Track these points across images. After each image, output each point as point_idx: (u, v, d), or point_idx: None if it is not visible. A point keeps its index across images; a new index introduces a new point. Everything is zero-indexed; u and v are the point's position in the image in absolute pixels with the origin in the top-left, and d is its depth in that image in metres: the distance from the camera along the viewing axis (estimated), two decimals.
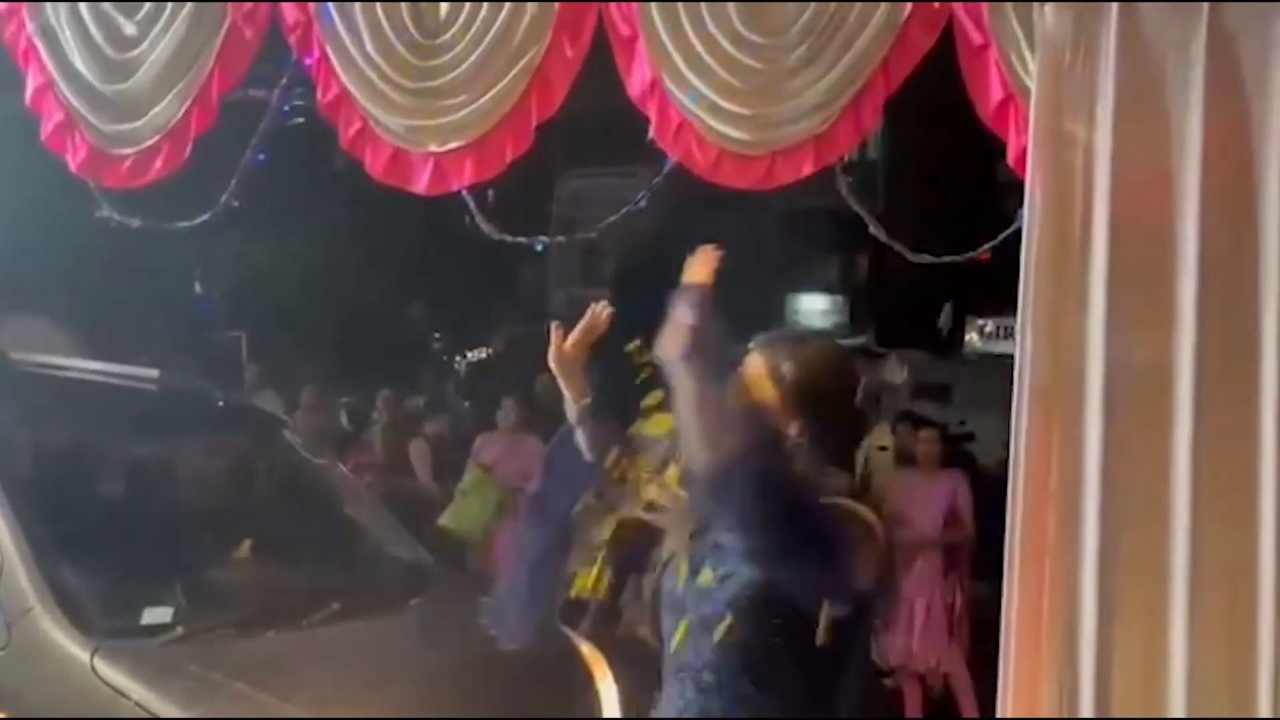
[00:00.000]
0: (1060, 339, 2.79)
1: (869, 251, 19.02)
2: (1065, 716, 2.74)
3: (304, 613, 3.64)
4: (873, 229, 3.22)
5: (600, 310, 2.27)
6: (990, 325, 13.92)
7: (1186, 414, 2.68)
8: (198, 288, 15.04)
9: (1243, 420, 2.68)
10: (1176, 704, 2.67)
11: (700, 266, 1.95)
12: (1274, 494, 2.62)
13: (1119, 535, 2.74)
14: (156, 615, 3.41)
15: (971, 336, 13.76)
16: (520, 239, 3.87)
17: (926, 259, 3.27)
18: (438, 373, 14.00)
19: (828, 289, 19.48)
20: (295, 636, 3.55)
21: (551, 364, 2.23)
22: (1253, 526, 2.65)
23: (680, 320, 1.85)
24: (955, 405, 12.45)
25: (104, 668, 3.14)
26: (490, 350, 17.02)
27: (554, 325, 2.27)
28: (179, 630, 3.37)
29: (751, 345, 2.05)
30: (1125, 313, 2.74)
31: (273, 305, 14.13)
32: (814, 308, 18.94)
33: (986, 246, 3.19)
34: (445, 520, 6.43)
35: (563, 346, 2.23)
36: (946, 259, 3.26)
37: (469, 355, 17.23)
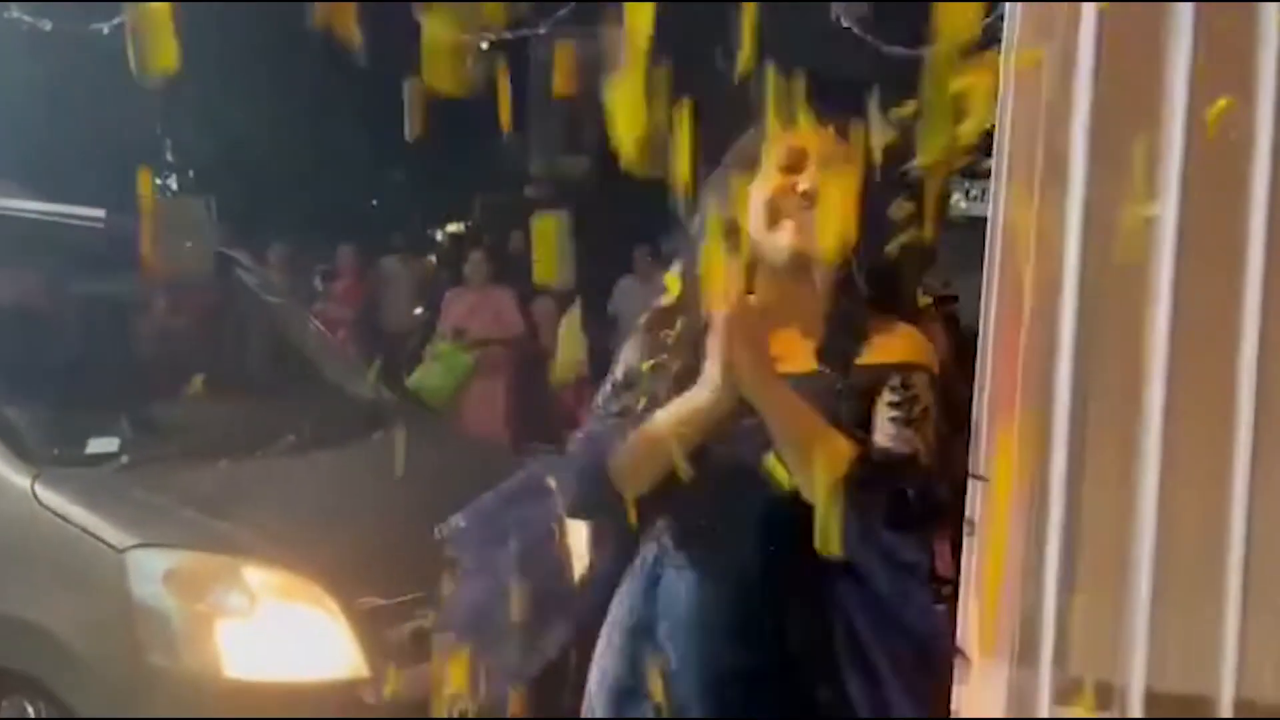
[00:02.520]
0: (1036, 176, 2.59)
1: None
2: (1031, 574, 2.65)
3: (258, 444, 3.54)
4: (845, 20, 3.01)
5: None
6: (976, 188, 13.68)
7: (1168, 267, 2.51)
8: (169, 157, 14.64)
9: (1227, 274, 2.49)
10: (1144, 561, 2.58)
11: None
12: (1254, 348, 2.46)
13: (1090, 392, 2.59)
14: (102, 445, 3.32)
15: (957, 198, 13.53)
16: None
17: (899, 51, 3.07)
18: (416, 243, 13.76)
19: None
20: (249, 465, 3.46)
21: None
22: (1231, 381, 2.49)
23: None
24: (940, 267, 12.34)
25: (46, 493, 3.05)
26: (469, 223, 16.71)
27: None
28: (124, 459, 3.26)
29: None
30: (1108, 153, 2.53)
31: (248, 173, 13.80)
32: None
33: None
34: (412, 381, 6.38)
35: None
36: (923, 50, 3.05)
37: (448, 228, 16.93)
